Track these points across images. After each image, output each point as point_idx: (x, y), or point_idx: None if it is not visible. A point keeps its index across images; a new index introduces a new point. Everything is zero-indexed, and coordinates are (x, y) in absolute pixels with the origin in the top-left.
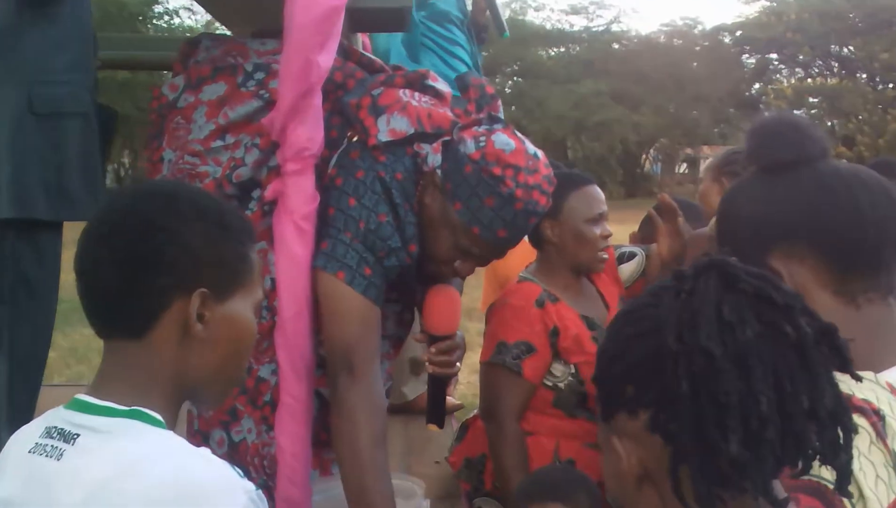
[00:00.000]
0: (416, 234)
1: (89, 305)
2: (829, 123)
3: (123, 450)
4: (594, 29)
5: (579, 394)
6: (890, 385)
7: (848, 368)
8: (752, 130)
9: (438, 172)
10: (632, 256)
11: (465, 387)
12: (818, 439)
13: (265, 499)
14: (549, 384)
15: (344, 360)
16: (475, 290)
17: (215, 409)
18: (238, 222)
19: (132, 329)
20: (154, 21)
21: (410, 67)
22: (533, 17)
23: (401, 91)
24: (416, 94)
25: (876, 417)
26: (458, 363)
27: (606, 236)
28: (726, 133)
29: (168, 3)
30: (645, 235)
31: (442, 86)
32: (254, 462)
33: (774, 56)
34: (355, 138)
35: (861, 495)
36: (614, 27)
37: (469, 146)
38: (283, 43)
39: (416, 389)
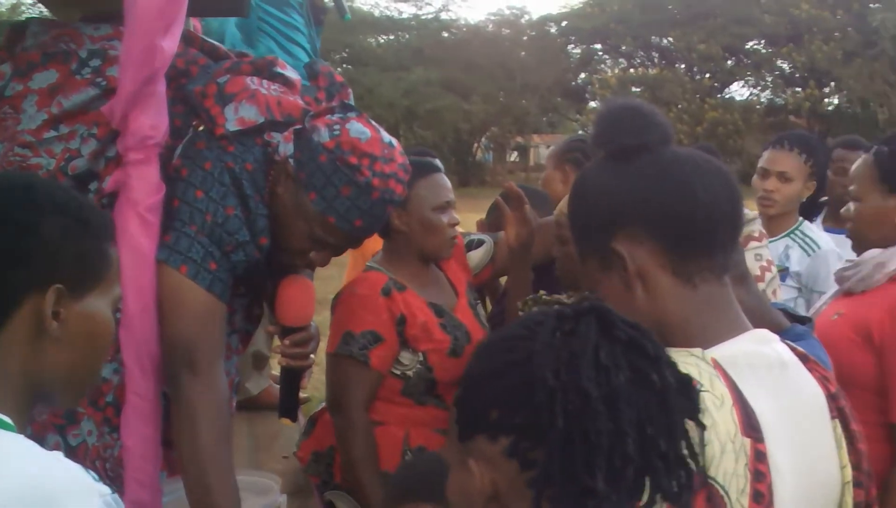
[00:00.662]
0: (268, 226)
1: None
2: None
3: None
4: (423, 17)
5: (428, 381)
6: (714, 361)
7: (697, 418)
8: (598, 116)
9: (291, 161)
10: (480, 243)
11: (309, 380)
12: (667, 478)
13: (121, 503)
14: (398, 372)
15: (185, 357)
16: (332, 282)
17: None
18: (97, 217)
19: None
20: None
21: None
22: (361, 3)
23: (248, 79)
24: (265, 81)
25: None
26: (312, 356)
27: (454, 224)
28: (555, 122)
29: None
30: (492, 222)
31: (291, 73)
32: (95, 466)
33: (599, 46)
34: (201, 128)
35: None
36: (443, 15)
37: (323, 135)
38: (121, 27)
39: (259, 384)
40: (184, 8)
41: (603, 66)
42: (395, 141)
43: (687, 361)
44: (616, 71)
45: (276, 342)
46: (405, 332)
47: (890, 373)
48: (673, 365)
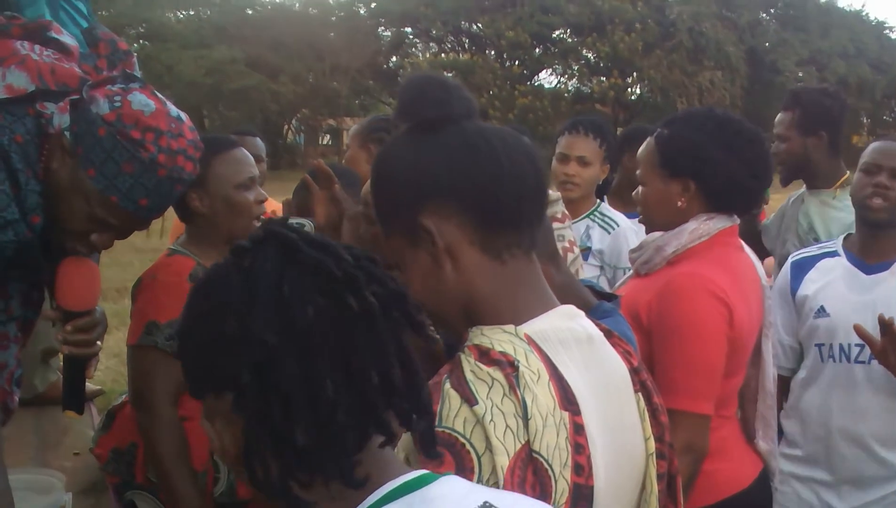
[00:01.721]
0: (41, 203)
1: None
2: None
3: None
4: None
5: None
6: (528, 337)
7: (422, 331)
8: (400, 89)
9: (67, 134)
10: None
11: (104, 372)
12: (395, 409)
13: None
14: None
15: None
16: (131, 268)
17: None
18: None
19: None
20: None
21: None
22: None
23: (18, 43)
24: (37, 46)
25: (511, 368)
26: (98, 342)
27: (261, 201)
28: (367, 104)
29: None
30: (300, 202)
31: (67, 39)
32: None
33: (409, 30)
34: None
35: (489, 445)
36: None
37: (102, 106)
38: None
39: (46, 379)
40: None
41: (414, 49)
42: (183, 115)
43: (500, 338)
44: (428, 55)
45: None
46: None
47: (658, 358)
48: (379, 280)
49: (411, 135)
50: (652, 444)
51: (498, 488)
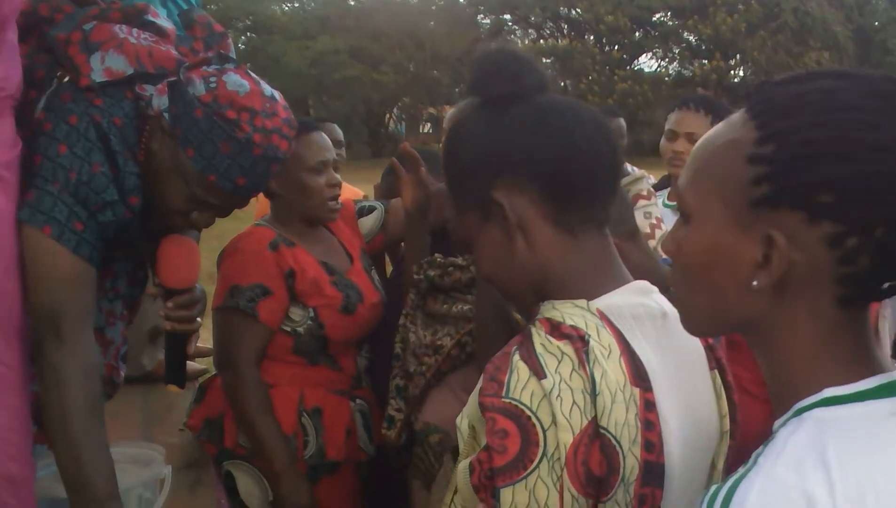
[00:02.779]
0: (139, 185)
1: None
2: (562, 84)
3: None
4: None
5: (320, 339)
6: (600, 311)
7: None
8: (474, 63)
9: (166, 115)
10: (371, 209)
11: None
12: None
13: None
14: (288, 328)
15: (50, 322)
16: (217, 253)
17: None
18: None
19: None
20: None
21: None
22: None
23: (116, 27)
24: (135, 30)
25: (581, 343)
26: (198, 319)
27: (334, 185)
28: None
29: None
30: (388, 186)
31: (164, 22)
32: None
33: (508, 17)
34: (66, 79)
35: (554, 420)
36: None
37: (198, 88)
38: None
39: (154, 358)
40: None
41: (513, 36)
42: (277, 94)
43: (572, 312)
44: (526, 42)
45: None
46: (295, 286)
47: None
48: None
49: (483, 110)
50: (727, 422)
51: (560, 464)
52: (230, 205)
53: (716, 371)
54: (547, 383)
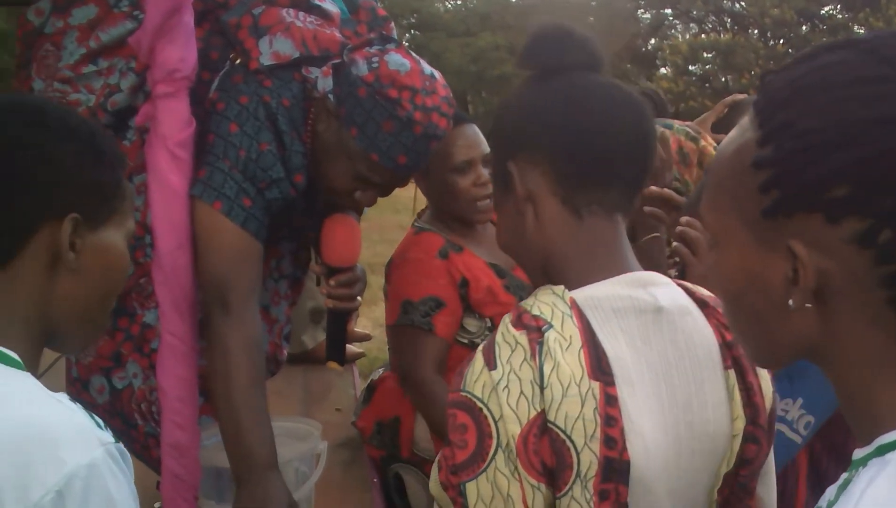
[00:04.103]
0: (305, 164)
1: None
2: (724, 79)
3: None
4: None
5: None
6: (572, 300)
7: None
8: (528, 36)
9: (330, 97)
10: None
11: (371, 342)
12: None
13: (126, 454)
14: (465, 340)
15: (218, 294)
16: (377, 244)
17: (81, 354)
18: (110, 146)
19: None
20: None
21: None
22: None
23: (284, 11)
24: (301, 14)
25: (537, 334)
26: (359, 297)
27: (482, 184)
28: None
29: None
30: None
31: (329, 6)
32: (140, 409)
33: (669, 11)
34: (238, 61)
35: (501, 413)
36: None
37: (361, 68)
38: None
39: (315, 337)
40: None
41: (674, 31)
42: (437, 73)
43: (544, 299)
44: (687, 37)
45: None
46: (469, 296)
47: None
48: None
49: (528, 82)
50: (740, 424)
51: (513, 454)
52: (392, 183)
53: (731, 371)
54: (496, 373)
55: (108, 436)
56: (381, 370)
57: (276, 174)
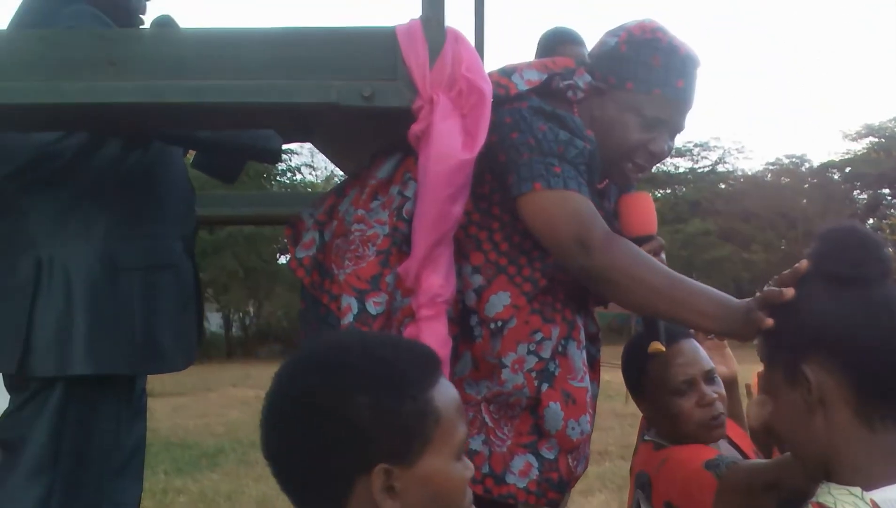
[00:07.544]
0: (586, 134)
1: (284, 488)
2: None
3: None
4: (699, 170)
5: None
6: (873, 502)
7: None
8: (823, 236)
9: (592, 83)
10: None
11: None
12: None
13: None
14: None
15: (578, 245)
16: (608, 433)
17: None
18: (413, 367)
19: None
20: (278, 178)
21: None
22: None
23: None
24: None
25: None
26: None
27: (707, 404)
28: None
29: (290, 161)
30: None
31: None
32: None
33: (886, 191)
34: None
35: None
36: (719, 167)
37: (611, 41)
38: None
39: None
40: (469, 176)
41: (892, 210)
42: None
43: (845, 500)
44: None
45: None
46: None
47: None
48: None
49: (821, 284)
50: None
51: None
52: (677, 117)
53: None
54: None
55: None
56: None
57: (564, 136)
